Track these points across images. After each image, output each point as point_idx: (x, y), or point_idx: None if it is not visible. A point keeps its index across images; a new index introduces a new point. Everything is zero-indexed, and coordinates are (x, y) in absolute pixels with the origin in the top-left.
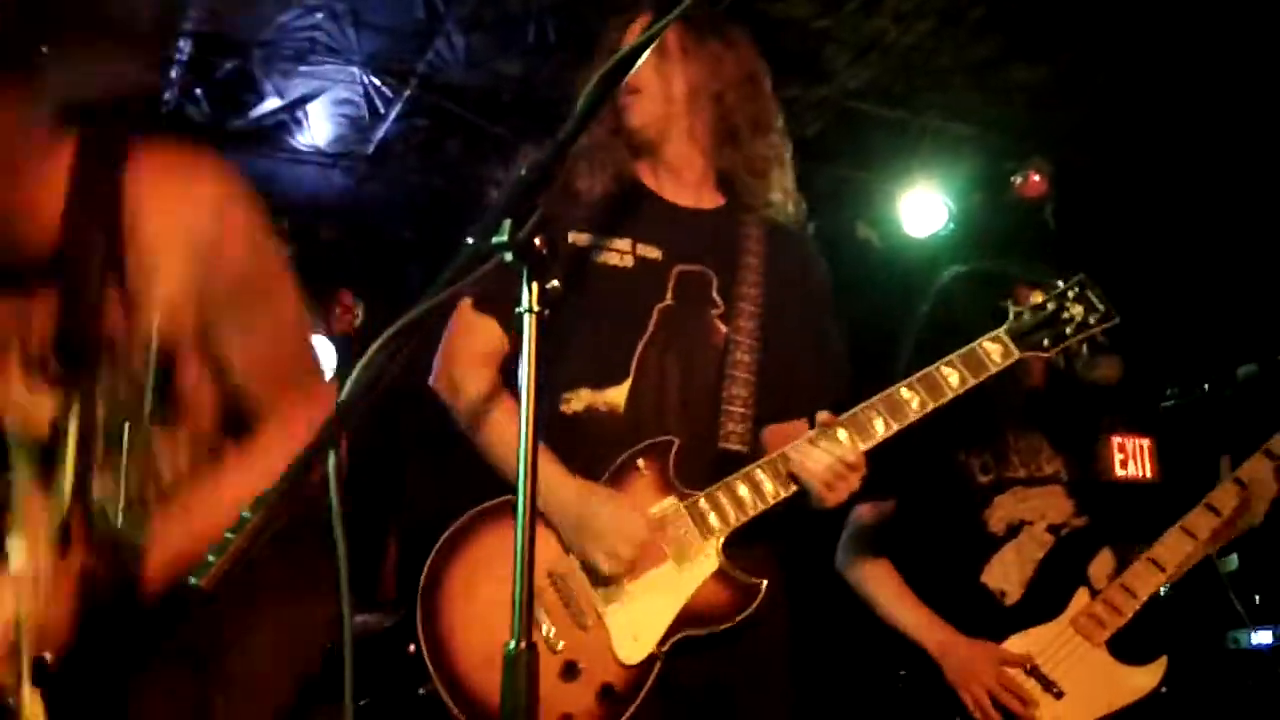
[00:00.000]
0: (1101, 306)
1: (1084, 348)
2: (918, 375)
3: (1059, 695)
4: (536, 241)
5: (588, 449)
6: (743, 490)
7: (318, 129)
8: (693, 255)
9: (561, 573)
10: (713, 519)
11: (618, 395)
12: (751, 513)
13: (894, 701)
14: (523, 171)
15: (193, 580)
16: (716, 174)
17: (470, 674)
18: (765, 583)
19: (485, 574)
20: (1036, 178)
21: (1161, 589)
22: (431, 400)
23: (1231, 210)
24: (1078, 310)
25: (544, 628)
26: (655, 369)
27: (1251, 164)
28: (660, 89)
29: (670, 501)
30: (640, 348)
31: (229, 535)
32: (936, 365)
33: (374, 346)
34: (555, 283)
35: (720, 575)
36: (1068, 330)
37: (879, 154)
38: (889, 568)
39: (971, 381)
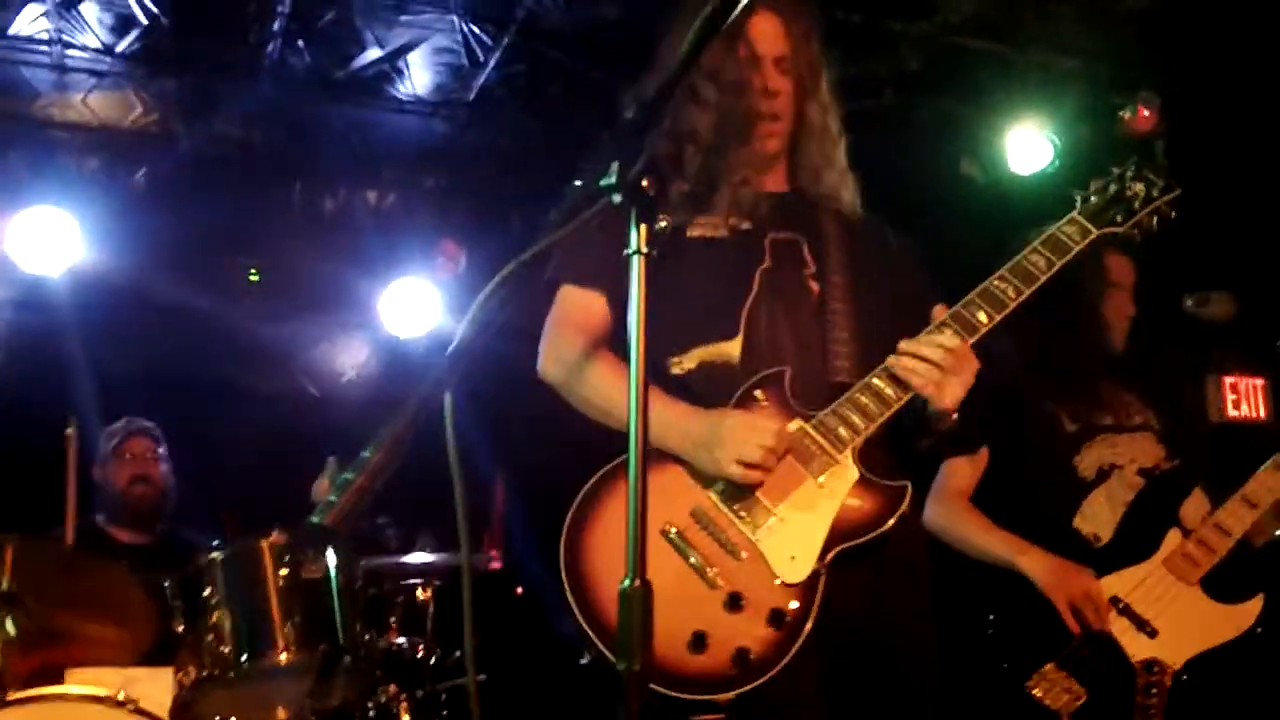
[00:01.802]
0: (1160, 180)
1: (1154, 220)
2: (1007, 266)
3: (1153, 634)
4: (644, 183)
5: (704, 402)
6: (864, 399)
7: (418, 78)
8: (781, 225)
9: (704, 509)
10: (842, 431)
11: (731, 348)
12: (878, 419)
13: (987, 645)
14: (630, 113)
15: (315, 519)
16: (786, 166)
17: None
18: (908, 484)
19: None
20: (1146, 112)
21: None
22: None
23: None
24: (1139, 187)
25: (701, 566)
26: (765, 323)
27: None
28: (793, 112)
29: (796, 424)
30: (747, 306)
31: (348, 475)
32: (1022, 254)
33: (487, 290)
34: (664, 223)
35: (863, 483)
36: (1136, 205)
37: (983, 89)
38: (974, 510)
39: (1057, 263)
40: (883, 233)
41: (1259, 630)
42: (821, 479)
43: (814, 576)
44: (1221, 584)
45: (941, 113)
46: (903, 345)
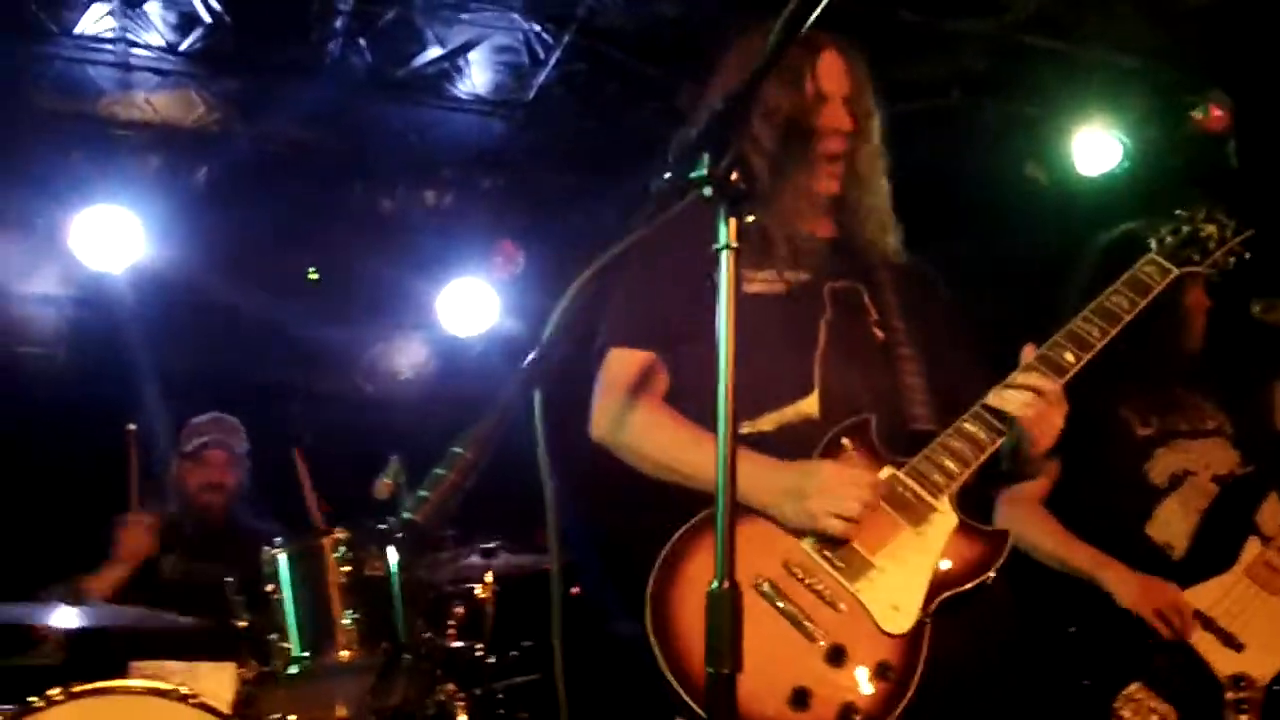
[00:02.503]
0: (1231, 221)
1: (1230, 260)
2: (1091, 307)
3: (1240, 648)
4: (734, 175)
5: (787, 459)
6: (956, 444)
7: (478, 77)
8: (837, 274)
9: (798, 560)
10: (938, 477)
11: (809, 405)
12: (973, 464)
13: (1069, 660)
14: (718, 105)
15: (407, 515)
16: (835, 211)
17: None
18: (1009, 530)
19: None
20: (1217, 111)
21: None
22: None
23: None
24: (1211, 229)
25: (799, 619)
26: (839, 373)
27: None
28: (847, 151)
29: (887, 471)
30: (817, 360)
31: (439, 471)
32: (1105, 294)
33: (572, 290)
34: (752, 217)
35: (963, 529)
36: (1211, 245)
37: (1049, 89)
38: (1049, 516)
39: (1141, 303)
40: (929, 276)
41: None
42: (920, 527)
43: (919, 626)
44: None
45: (1007, 114)
46: (995, 395)
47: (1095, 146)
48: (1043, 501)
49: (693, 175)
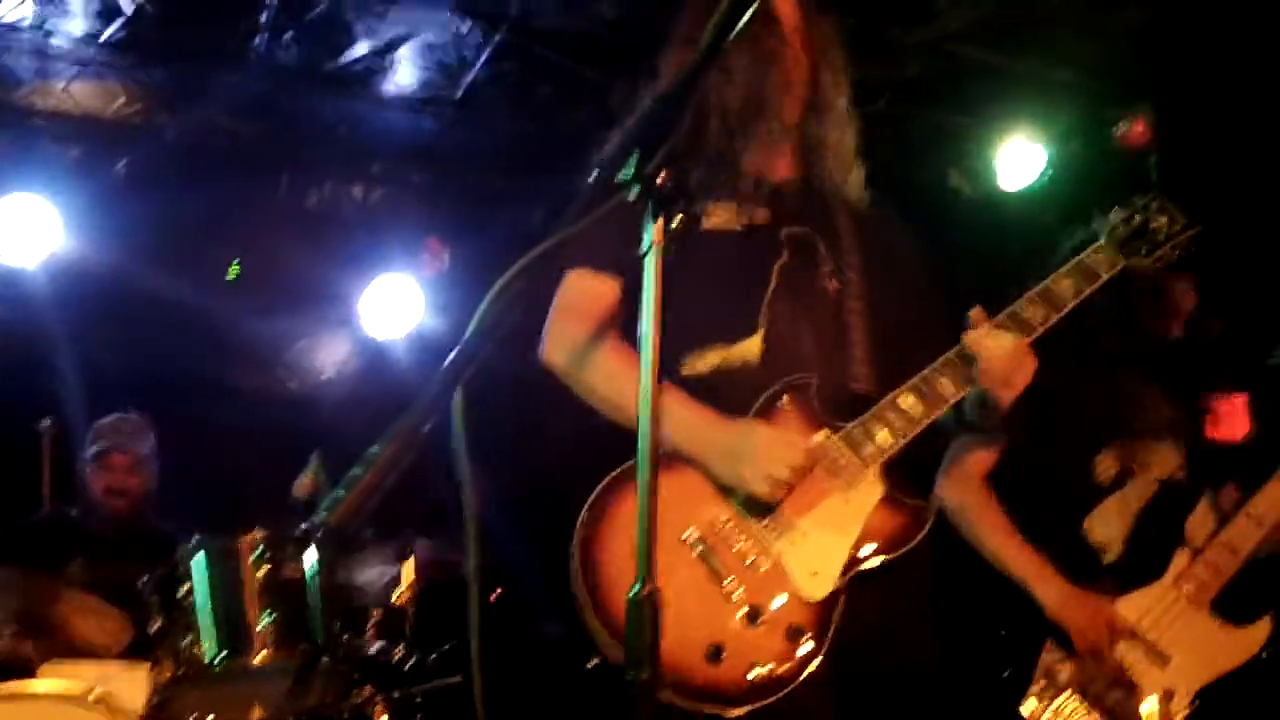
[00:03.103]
0: (1182, 217)
1: (1175, 254)
2: (1036, 290)
3: (1166, 662)
4: (662, 176)
5: (720, 405)
6: (891, 415)
7: (406, 74)
8: (796, 218)
9: (725, 518)
10: (869, 447)
11: (751, 347)
12: (905, 436)
13: (994, 660)
14: (649, 103)
15: (323, 514)
16: (797, 148)
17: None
18: (932, 502)
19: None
20: (1140, 126)
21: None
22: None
23: None
24: (1163, 220)
25: (721, 576)
26: (785, 320)
27: None
28: (807, 80)
29: (823, 434)
30: (766, 302)
31: (356, 471)
32: (1051, 278)
33: (496, 287)
34: (680, 217)
35: (888, 500)
36: (1160, 238)
37: (978, 99)
38: (995, 504)
39: (1085, 290)
40: (893, 227)
41: (1265, 655)
42: (847, 494)
43: (834, 594)
44: (1230, 604)
45: (934, 124)
46: (973, 346)
47: (1019, 158)
48: (986, 478)
49: (620, 176)
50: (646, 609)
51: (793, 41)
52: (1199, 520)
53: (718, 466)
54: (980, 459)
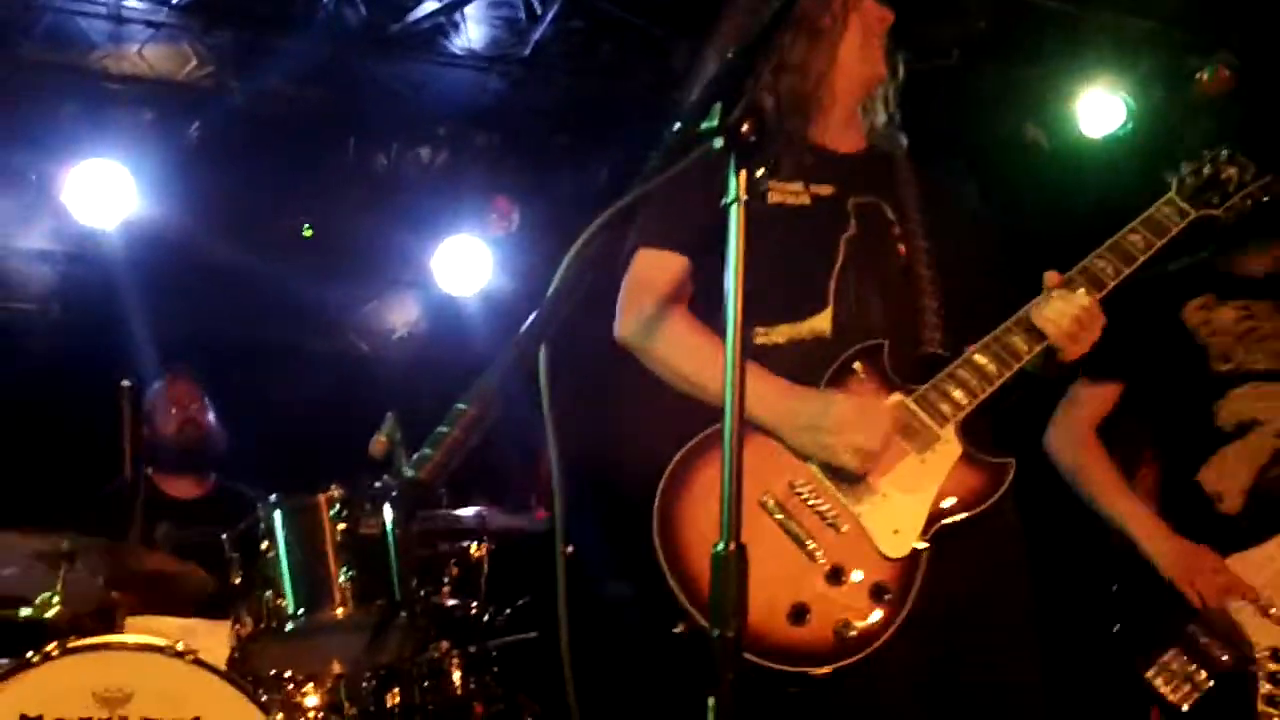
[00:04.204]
0: (1253, 166)
1: (1249, 204)
2: (1107, 244)
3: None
4: (745, 126)
5: (796, 376)
6: (964, 374)
7: (474, 32)
8: (863, 188)
9: (804, 482)
10: (945, 406)
11: (821, 322)
12: (980, 395)
13: (1107, 615)
14: (730, 54)
15: (411, 473)
16: (859, 119)
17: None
18: (1012, 460)
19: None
20: (1224, 73)
21: None
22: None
23: None
24: (1233, 171)
25: (802, 538)
26: (853, 293)
27: None
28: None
29: (896, 397)
30: (834, 276)
31: (443, 429)
32: (1122, 233)
33: (577, 245)
34: (763, 170)
35: (966, 459)
36: (1230, 189)
37: (1052, 51)
38: (1106, 459)
39: (1157, 244)
40: (956, 185)
41: None
42: (924, 455)
43: (917, 552)
44: None
45: (1007, 78)
46: (1036, 307)
47: (1100, 108)
48: (1096, 428)
49: (704, 126)
50: (733, 564)
51: (848, 18)
52: None
53: (799, 438)
54: (1092, 406)
